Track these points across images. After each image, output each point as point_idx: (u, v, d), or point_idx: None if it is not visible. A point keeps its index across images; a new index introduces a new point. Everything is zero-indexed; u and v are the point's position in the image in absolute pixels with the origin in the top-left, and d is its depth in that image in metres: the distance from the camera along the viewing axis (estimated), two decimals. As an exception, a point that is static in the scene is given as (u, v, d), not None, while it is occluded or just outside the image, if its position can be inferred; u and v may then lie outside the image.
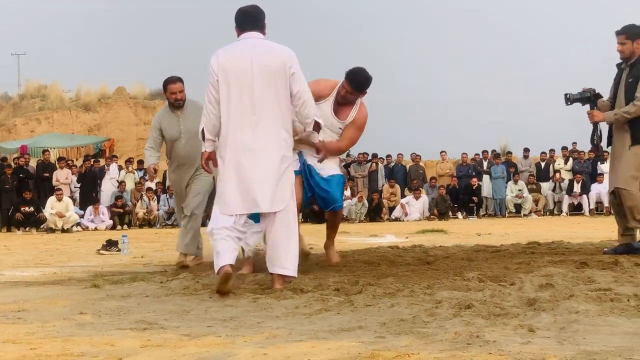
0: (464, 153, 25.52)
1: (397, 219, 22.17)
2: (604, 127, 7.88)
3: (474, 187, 23.28)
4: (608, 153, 7.90)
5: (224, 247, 5.45)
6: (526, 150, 25.40)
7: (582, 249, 8.39)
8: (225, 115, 5.53)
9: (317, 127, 5.75)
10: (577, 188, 22.87)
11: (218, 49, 5.67)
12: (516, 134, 54.09)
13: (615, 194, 7.62)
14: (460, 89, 62.60)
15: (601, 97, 7.80)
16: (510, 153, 26.71)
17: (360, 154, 25.53)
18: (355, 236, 13.93)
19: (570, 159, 24.06)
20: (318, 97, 6.37)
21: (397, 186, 23.91)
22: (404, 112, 57.14)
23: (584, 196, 22.80)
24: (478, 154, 25.37)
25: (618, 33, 7.56)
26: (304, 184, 6.53)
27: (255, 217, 5.67)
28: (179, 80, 8.20)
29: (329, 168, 6.68)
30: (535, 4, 66.73)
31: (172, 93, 8.15)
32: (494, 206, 23.33)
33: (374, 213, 22.51)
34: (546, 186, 23.78)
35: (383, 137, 41.34)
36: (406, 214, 22.22)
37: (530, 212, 22.86)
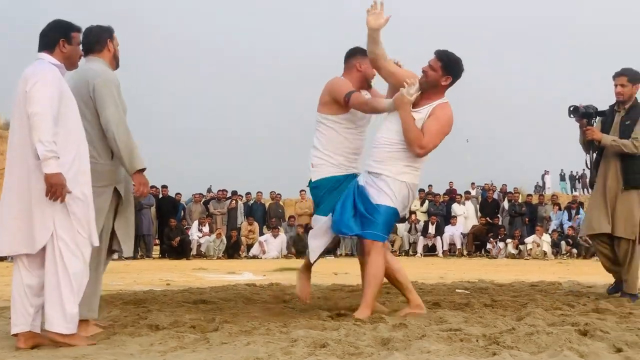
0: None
1: (255, 257, 22.11)
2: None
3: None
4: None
5: None
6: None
7: (435, 290, 8.60)
8: None
9: (39, 155, 4.76)
10: (431, 229, 23.43)
11: None
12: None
13: (592, 238, 7.91)
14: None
15: (603, 114, 7.71)
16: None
17: (219, 190, 25.48)
18: (213, 272, 13.83)
19: (426, 201, 24.67)
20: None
21: (256, 224, 23.90)
22: (264, 151, 57.42)
23: (438, 238, 23.38)
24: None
25: (617, 75, 7.56)
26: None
27: None
28: None
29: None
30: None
31: None
32: (352, 246, 23.58)
33: (232, 250, 22.40)
34: (402, 227, 24.27)
35: (244, 175, 41.46)
36: (264, 252, 22.20)
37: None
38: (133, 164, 5.33)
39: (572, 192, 39.35)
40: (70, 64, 5.24)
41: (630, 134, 7.36)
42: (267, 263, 18.58)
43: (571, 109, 7.59)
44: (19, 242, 4.86)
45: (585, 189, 40.38)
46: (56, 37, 5.15)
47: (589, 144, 7.64)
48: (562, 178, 42.15)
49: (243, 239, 23.13)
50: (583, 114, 7.58)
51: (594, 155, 7.65)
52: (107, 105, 5.33)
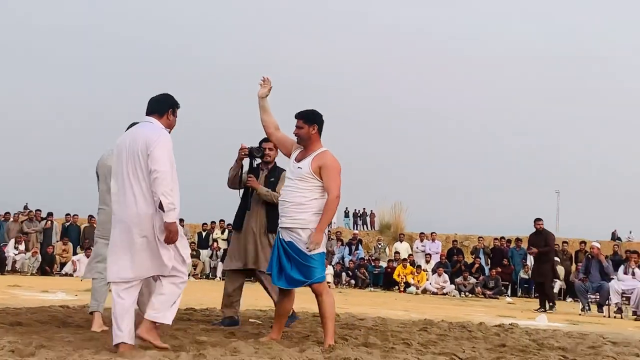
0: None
1: (67, 274, 21.50)
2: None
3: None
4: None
5: None
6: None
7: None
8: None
9: (162, 206, 5.37)
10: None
11: None
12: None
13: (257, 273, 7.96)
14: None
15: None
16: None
17: (36, 210, 24.60)
18: (28, 290, 13.37)
19: (226, 230, 24.77)
20: (287, 151, 6.49)
21: (70, 244, 23.26)
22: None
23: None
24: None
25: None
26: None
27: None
28: None
29: (300, 244, 6.18)
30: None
31: None
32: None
33: (46, 263, 21.80)
34: (205, 253, 24.32)
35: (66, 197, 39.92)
36: (75, 270, 21.63)
37: (189, 275, 23.17)
38: None
39: (354, 228, 40.48)
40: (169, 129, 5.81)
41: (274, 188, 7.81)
42: (78, 282, 18.09)
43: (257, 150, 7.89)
44: (147, 269, 5.47)
45: (365, 226, 41.81)
46: (166, 107, 5.76)
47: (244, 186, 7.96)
48: (346, 215, 43.26)
49: (57, 257, 22.44)
50: (251, 154, 7.90)
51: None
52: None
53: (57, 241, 23.67)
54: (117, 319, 5.39)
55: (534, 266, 17.45)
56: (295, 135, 6.35)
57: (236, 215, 8.17)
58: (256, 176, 7.98)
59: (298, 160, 6.29)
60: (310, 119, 6.33)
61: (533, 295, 22.70)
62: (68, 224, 24.94)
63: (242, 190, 8.07)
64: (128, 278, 5.49)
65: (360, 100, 63.14)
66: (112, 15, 64.06)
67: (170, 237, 5.40)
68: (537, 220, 16.63)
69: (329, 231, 26.55)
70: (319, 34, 66.05)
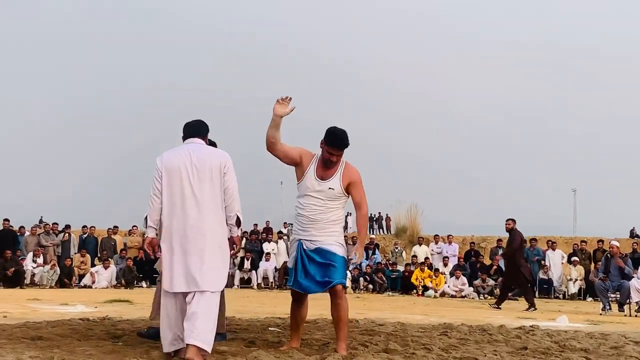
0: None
1: (86, 286, 21.56)
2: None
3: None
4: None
5: None
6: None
7: (250, 327, 8.64)
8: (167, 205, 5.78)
9: (238, 222, 5.78)
10: (247, 264, 23.67)
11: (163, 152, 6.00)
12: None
13: None
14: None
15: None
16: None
17: (54, 223, 24.75)
18: (47, 304, 13.41)
19: (244, 239, 24.86)
20: (302, 167, 6.23)
21: (88, 256, 23.33)
22: (103, 186, 55.61)
23: (253, 272, 23.64)
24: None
25: None
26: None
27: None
28: None
29: (332, 247, 6.23)
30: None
31: None
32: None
33: (64, 275, 21.81)
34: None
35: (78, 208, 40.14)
36: (94, 282, 21.70)
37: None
38: None
39: (370, 232, 40.41)
40: None
41: None
42: (97, 293, 18.18)
43: None
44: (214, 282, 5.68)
45: (381, 230, 41.73)
46: (206, 132, 6.20)
47: None
48: (362, 219, 42.88)
49: (75, 269, 22.52)
50: None
51: None
52: None
53: (75, 253, 23.72)
54: None
55: (506, 270, 17.46)
56: (330, 161, 6.17)
57: None
58: None
59: (323, 178, 6.19)
60: (324, 137, 6.23)
61: (552, 296, 22.65)
62: (85, 235, 25.00)
63: None
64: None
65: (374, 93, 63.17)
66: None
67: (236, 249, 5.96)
68: (508, 220, 16.47)
69: (345, 236, 26.43)
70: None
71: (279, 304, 15.09)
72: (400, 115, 62.91)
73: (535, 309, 15.47)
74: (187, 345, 5.39)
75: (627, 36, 63.15)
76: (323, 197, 6.15)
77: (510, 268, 16.62)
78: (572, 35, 63.98)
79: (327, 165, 6.17)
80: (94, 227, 25.54)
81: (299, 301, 6.38)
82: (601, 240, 24.34)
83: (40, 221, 26.90)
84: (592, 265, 22.21)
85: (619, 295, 15.47)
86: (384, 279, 23.23)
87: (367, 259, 24.64)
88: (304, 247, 6.19)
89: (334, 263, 6.12)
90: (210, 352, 5.51)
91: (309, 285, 6.15)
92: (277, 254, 24.66)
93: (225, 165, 5.80)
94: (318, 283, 6.14)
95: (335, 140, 6.11)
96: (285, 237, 26.63)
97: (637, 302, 15.05)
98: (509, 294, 17.79)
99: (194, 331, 5.41)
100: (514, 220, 16.40)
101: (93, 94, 61.93)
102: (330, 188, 6.14)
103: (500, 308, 15.86)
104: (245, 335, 7.70)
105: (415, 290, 22.25)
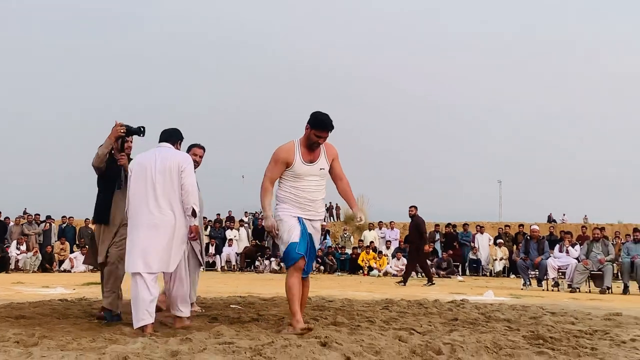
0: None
1: (65, 270, 21.23)
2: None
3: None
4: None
5: None
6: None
7: (214, 305, 8.60)
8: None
9: (194, 213, 6.02)
10: (212, 250, 23.50)
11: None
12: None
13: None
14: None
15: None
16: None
17: (36, 214, 24.34)
18: (30, 287, 13.16)
19: (209, 227, 24.67)
20: (288, 164, 5.90)
21: (67, 243, 22.98)
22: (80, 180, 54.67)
23: (217, 256, 23.49)
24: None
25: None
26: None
27: None
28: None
29: (316, 236, 6.12)
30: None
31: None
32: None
33: (46, 261, 21.46)
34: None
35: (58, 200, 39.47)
36: (72, 267, 21.38)
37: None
38: None
39: (323, 220, 40.34)
40: None
41: None
42: (75, 277, 17.91)
43: (142, 129, 6.85)
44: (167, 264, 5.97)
45: (332, 218, 41.76)
46: (177, 139, 6.49)
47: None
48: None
49: (56, 255, 22.18)
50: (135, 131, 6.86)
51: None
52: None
53: (56, 241, 23.42)
54: None
55: (410, 251, 17.47)
56: (317, 144, 5.96)
57: (101, 207, 6.88)
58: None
59: (311, 161, 5.98)
60: (309, 121, 5.98)
61: (481, 274, 22.96)
62: (65, 225, 24.66)
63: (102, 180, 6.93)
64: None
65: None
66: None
67: (196, 235, 6.15)
68: (411, 207, 16.44)
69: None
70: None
71: (240, 284, 15.07)
72: (367, 107, 62.64)
73: (434, 284, 15.83)
74: (174, 316, 6.20)
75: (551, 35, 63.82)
76: (317, 178, 6.00)
77: (413, 249, 16.68)
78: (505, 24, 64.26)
79: (312, 148, 5.97)
80: (72, 217, 25.24)
81: (301, 271, 5.93)
82: (522, 225, 24.76)
83: (24, 212, 26.39)
84: (515, 246, 22.55)
85: (537, 273, 15.73)
86: (334, 260, 23.28)
87: (320, 243, 24.64)
88: (305, 225, 5.96)
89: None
90: (189, 316, 6.27)
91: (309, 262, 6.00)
92: (239, 240, 24.55)
93: (182, 165, 6.06)
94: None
95: (323, 123, 5.89)
96: (246, 225, 26.53)
97: (553, 279, 15.32)
98: (442, 272, 17.91)
99: (175, 305, 6.15)
100: (416, 207, 16.40)
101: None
102: (321, 169, 6.00)
103: (405, 284, 15.95)
104: (209, 312, 7.65)
105: (361, 271, 22.36)
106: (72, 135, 58.83)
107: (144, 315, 5.78)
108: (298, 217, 5.91)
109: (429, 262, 22.00)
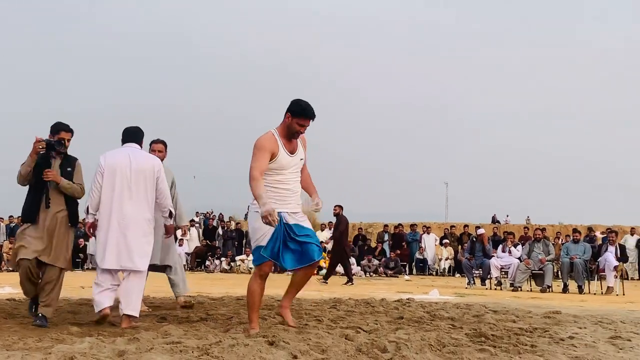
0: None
1: (13, 270, 20.73)
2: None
3: (80, 246, 22.49)
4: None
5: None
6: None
7: (163, 304, 8.54)
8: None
9: (170, 215, 6.58)
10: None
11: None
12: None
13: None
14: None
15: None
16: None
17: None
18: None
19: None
20: (273, 154, 5.53)
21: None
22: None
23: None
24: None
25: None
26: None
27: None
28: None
29: (305, 222, 5.75)
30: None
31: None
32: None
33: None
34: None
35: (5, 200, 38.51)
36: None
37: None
38: None
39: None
40: None
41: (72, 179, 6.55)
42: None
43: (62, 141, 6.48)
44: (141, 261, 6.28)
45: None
46: (142, 138, 6.62)
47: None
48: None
49: (4, 255, 21.68)
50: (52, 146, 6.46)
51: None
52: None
53: (4, 240, 22.93)
54: None
55: (333, 250, 17.36)
56: (299, 133, 5.67)
57: (29, 206, 6.60)
58: (49, 167, 6.48)
59: (292, 152, 5.68)
60: (289, 108, 5.68)
61: (427, 273, 23.24)
62: (13, 225, 24.15)
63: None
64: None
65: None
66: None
67: (171, 234, 6.84)
68: (335, 206, 16.45)
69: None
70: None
71: (190, 284, 14.91)
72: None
73: (353, 284, 15.88)
74: (123, 315, 6.20)
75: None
76: (297, 169, 5.75)
77: (337, 248, 16.65)
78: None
79: (293, 138, 5.68)
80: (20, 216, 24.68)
81: (265, 278, 5.82)
82: (467, 225, 25.14)
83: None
84: (460, 246, 22.90)
85: (481, 272, 16.00)
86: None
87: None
88: (285, 221, 5.63)
89: (311, 240, 5.73)
90: (138, 316, 6.33)
91: (290, 261, 5.71)
92: (190, 239, 24.36)
93: (158, 170, 6.39)
94: (297, 260, 5.72)
95: (307, 111, 5.60)
96: (197, 225, 26.34)
97: (496, 278, 15.60)
98: (390, 272, 18.02)
99: (130, 304, 6.19)
100: (341, 207, 16.40)
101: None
102: (301, 159, 5.75)
103: (327, 282, 15.94)
104: (158, 311, 7.59)
105: (311, 270, 22.38)
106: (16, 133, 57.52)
107: (104, 306, 6.22)
108: (278, 213, 5.48)
109: (376, 261, 22.24)
